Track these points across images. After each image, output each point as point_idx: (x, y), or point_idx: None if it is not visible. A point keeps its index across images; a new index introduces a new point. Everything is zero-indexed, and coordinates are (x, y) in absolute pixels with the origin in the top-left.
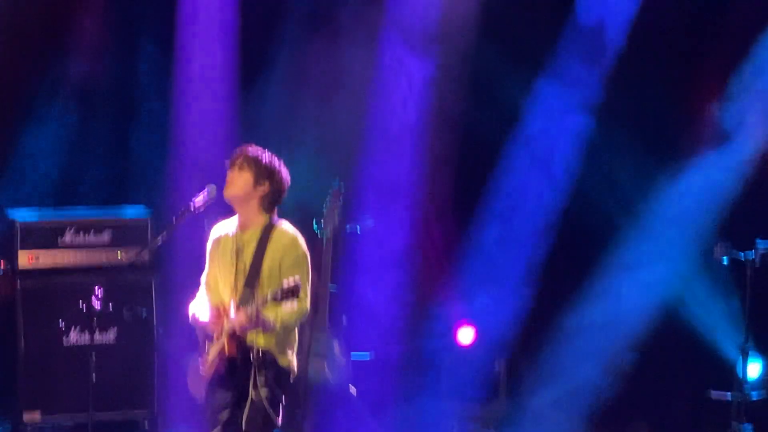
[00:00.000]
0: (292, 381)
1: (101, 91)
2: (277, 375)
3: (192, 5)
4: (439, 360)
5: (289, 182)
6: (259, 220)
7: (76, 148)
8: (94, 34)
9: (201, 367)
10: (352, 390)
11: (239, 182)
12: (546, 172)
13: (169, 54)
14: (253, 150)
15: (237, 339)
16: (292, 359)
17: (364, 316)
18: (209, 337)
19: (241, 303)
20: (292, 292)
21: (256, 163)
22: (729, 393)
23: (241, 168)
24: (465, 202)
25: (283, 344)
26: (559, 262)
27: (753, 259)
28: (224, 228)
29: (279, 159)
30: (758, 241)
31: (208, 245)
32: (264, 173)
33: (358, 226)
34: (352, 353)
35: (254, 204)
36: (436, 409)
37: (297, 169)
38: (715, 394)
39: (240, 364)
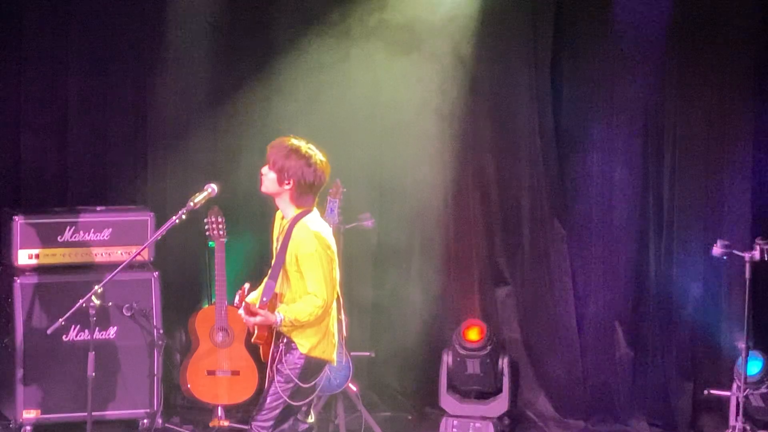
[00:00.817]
0: (319, 370)
1: (102, 89)
2: (300, 362)
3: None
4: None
5: (323, 173)
6: (291, 211)
7: (76, 146)
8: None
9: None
10: (353, 388)
11: (267, 181)
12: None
13: (172, 51)
14: (280, 147)
15: (266, 328)
16: (317, 346)
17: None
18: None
19: (264, 295)
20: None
21: (280, 162)
22: (729, 390)
23: (269, 165)
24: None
25: (307, 333)
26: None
27: (752, 257)
28: (278, 215)
29: (311, 151)
30: (758, 239)
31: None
32: (287, 173)
33: (358, 224)
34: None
35: (285, 198)
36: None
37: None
38: (714, 391)
39: (268, 350)
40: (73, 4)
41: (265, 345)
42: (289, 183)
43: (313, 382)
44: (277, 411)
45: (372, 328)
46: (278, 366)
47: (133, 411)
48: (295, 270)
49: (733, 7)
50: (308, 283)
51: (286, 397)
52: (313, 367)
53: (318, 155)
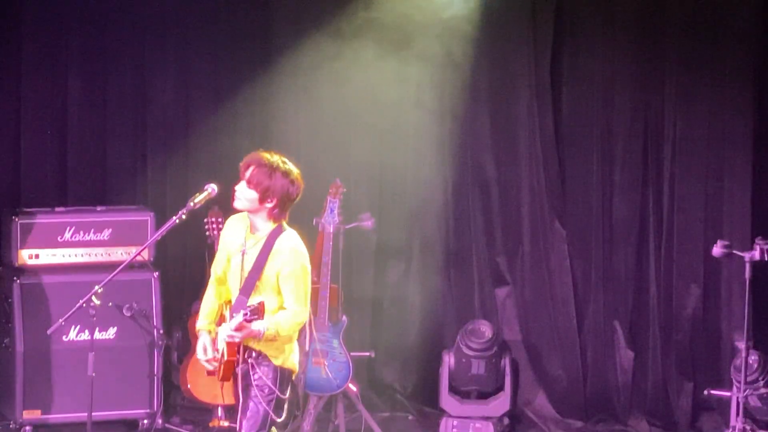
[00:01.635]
0: (290, 380)
1: (102, 89)
2: (274, 374)
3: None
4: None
5: (301, 188)
6: (267, 226)
7: (76, 146)
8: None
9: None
10: (353, 388)
11: (244, 199)
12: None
13: (171, 51)
14: (260, 167)
15: (235, 344)
16: (288, 358)
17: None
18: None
19: (235, 311)
20: (255, 313)
21: (265, 182)
22: (729, 390)
23: (248, 183)
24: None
25: (280, 346)
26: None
27: (752, 257)
28: (238, 223)
29: (289, 166)
30: (758, 239)
31: (222, 235)
32: (270, 192)
33: (358, 224)
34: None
35: (263, 214)
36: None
37: (296, 167)
38: (714, 391)
39: (237, 366)
40: (72, 4)
41: (228, 364)
42: (271, 202)
43: (287, 393)
44: (263, 429)
45: (372, 328)
46: (256, 382)
47: (133, 411)
48: (273, 285)
49: (733, 7)
50: (289, 298)
51: (269, 410)
52: (286, 377)
53: (295, 170)
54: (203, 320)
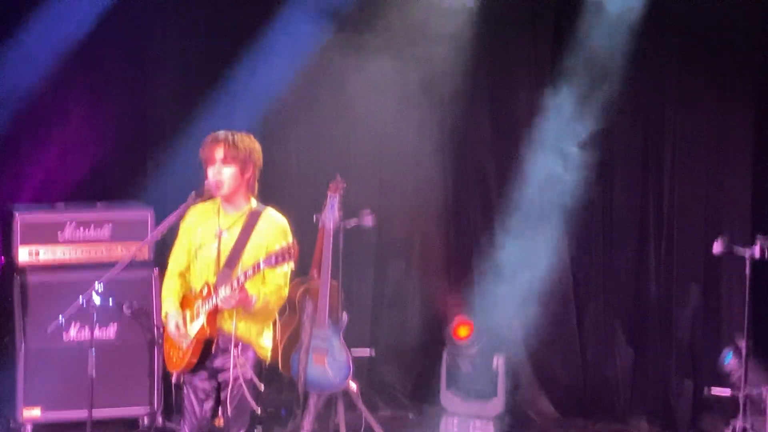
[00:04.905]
0: (263, 370)
1: (102, 89)
2: (255, 362)
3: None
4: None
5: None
6: (244, 203)
7: (77, 144)
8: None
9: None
10: (353, 386)
11: (229, 178)
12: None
13: (172, 49)
14: (228, 142)
15: (216, 319)
16: (268, 350)
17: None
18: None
19: (219, 282)
20: (288, 255)
21: (242, 154)
22: (728, 389)
23: (225, 162)
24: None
25: (262, 333)
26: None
27: (753, 255)
28: (204, 212)
29: (243, 134)
30: (758, 235)
31: (186, 227)
32: (248, 161)
33: (358, 221)
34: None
35: (241, 190)
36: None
37: (297, 164)
38: (714, 390)
39: (217, 350)
40: (73, 3)
41: (198, 344)
42: (249, 172)
43: (261, 380)
44: (248, 419)
45: (372, 325)
46: (242, 374)
47: (134, 409)
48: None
49: (733, 8)
50: (276, 275)
51: (253, 403)
52: (263, 369)
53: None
54: (171, 306)
